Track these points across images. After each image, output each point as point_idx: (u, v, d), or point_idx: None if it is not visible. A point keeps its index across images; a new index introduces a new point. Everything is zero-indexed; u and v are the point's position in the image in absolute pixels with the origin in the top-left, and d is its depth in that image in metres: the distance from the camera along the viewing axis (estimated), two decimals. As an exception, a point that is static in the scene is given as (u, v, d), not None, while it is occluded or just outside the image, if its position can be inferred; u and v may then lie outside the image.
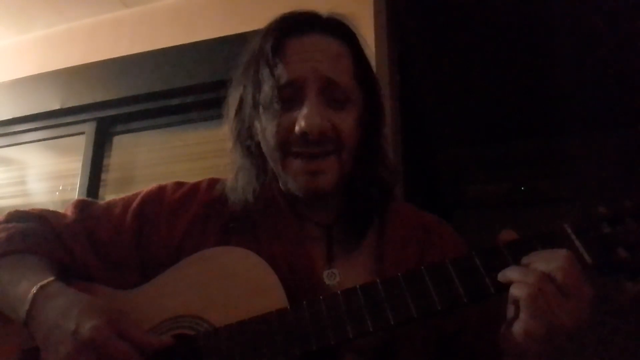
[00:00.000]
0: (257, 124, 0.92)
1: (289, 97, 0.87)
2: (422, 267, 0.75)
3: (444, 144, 3.45)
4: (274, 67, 0.87)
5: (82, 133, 2.53)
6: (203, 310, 0.84)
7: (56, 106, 2.51)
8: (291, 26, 0.91)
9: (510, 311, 0.71)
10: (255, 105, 0.90)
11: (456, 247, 0.98)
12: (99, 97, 2.45)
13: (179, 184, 1.02)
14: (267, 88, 0.88)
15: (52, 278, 0.84)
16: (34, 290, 0.81)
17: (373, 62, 0.99)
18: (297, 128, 0.85)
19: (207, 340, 0.81)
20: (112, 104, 2.45)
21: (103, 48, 2.56)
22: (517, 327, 0.69)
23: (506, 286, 0.70)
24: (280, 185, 0.95)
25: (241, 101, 0.95)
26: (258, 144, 0.94)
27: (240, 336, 0.78)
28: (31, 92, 2.59)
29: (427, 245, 0.96)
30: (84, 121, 2.53)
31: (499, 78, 2.97)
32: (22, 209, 0.99)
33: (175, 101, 2.36)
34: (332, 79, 0.87)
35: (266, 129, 0.89)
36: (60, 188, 2.59)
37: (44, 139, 2.64)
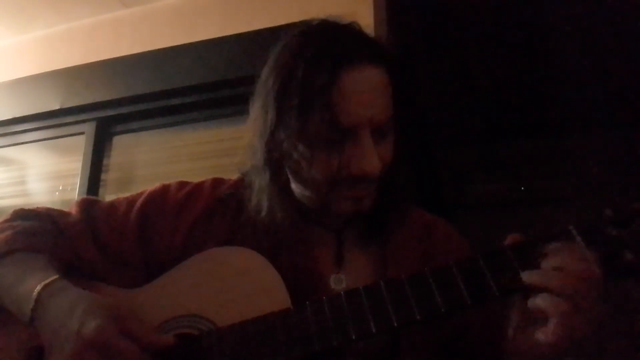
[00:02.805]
0: (293, 151, 0.86)
1: (341, 134, 0.83)
2: (426, 269, 0.75)
3: (444, 143, 3.45)
4: (330, 107, 0.81)
5: (82, 133, 2.54)
6: (206, 310, 0.84)
7: (56, 106, 2.51)
8: (345, 55, 0.83)
9: (526, 316, 0.71)
10: (298, 133, 0.84)
11: (459, 248, 0.98)
12: (99, 97, 2.45)
13: (182, 184, 1.02)
14: (318, 124, 0.82)
15: (55, 276, 0.84)
16: (37, 288, 0.81)
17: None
18: (355, 170, 0.83)
19: (210, 339, 0.81)
20: (112, 104, 2.46)
21: (103, 48, 2.56)
22: (543, 336, 0.68)
23: (513, 290, 0.70)
24: (307, 201, 0.92)
25: (276, 123, 0.86)
26: (282, 163, 0.90)
27: (243, 336, 0.78)
28: (31, 92, 2.59)
29: (430, 246, 0.97)
30: (84, 121, 2.54)
31: (499, 78, 2.97)
32: (27, 207, 1.00)
33: (175, 101, 2.36)
34: (383, 119, 0.85)
35: (310, 160, 0.84)
36: (60, 188, 2.59)
37: (44, 139, 2.65)
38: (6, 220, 0.95)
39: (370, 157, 0.83)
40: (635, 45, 2.55)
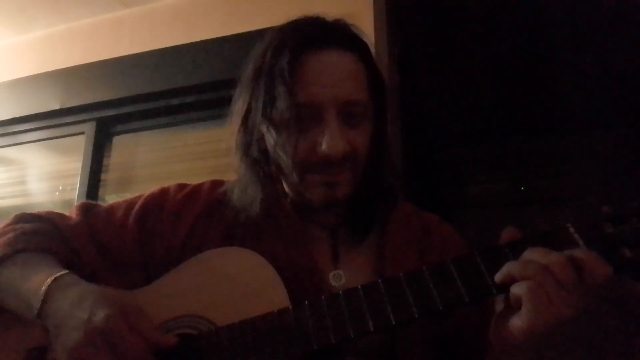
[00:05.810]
0: (267, 137, 0.91)
1: (307, 117, 0.86)
2: (424, 267, 0.75)
3: (444, 144, 3.45)
4: (292, 87, 0.84)
5: (82, 133, 2.54)
6: (206, 310, 0.84)
7: (56, 106, 2.51)
8: (308, 40, 0.88)
9: (506, 305, 0.72)
10: (267, 118, 0.89)
11: (457, 247, 0.98)
12: (99, 97, 2.46)
13: (181, 186, 1.03)
14: (282, 106, 0.85)
15: (65, 271, 0.85)
16: (48, 281, 0.82)
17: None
18: (320, 152, 0.85)
19: (209, 339, 0.81)
20: (112, 104, 2.46)
21: (103, 48, 2.56)
22: (518, 322, 0.69)
23: (508, 285, 0.70)
24: (289, 191, 0.95)
25: (248, 111, 0.93)
26: (264, 153, 0.93)
27: (242, 336, 0.79)
28: (31, 92, 2.59)
29: (428, 245, 0.97)
30: (84, 121, 2.54)
31: (499, 78, 2.97)
32: (25, 210, 1.01)
33: (175, 101, 2.36)
34: (351, 101, 0.87)
35: (280, 144, 0.88)
36: (60, 188, 2.59)
37: (44, 139, 2.65)
38: (8, 224, 0.96)
39: (332, 138, 0.84)
40: (635, 45, 2.55)
